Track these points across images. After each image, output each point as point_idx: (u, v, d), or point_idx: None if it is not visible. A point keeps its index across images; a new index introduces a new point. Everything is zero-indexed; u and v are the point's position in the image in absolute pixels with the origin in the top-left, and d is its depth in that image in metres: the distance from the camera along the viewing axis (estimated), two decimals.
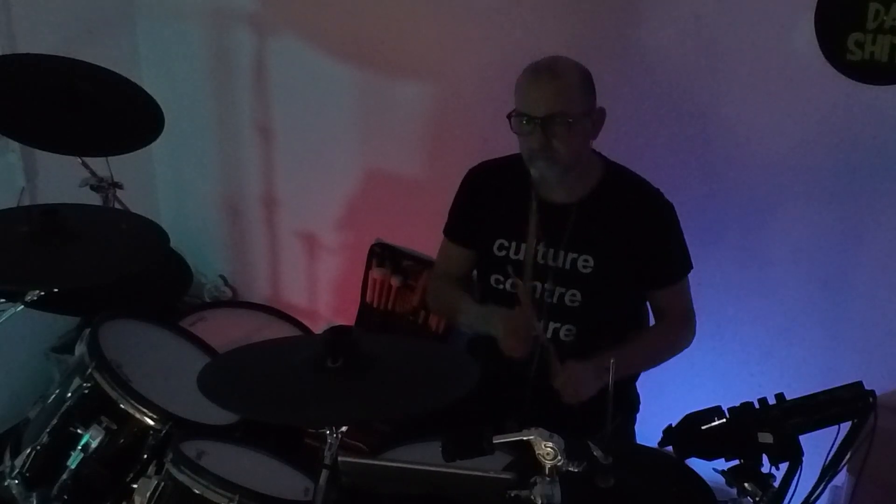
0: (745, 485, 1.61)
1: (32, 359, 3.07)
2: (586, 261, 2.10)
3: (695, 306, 2.25)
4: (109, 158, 2.54)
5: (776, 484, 1.62)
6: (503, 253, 2.16)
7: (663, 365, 2.23)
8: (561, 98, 1.97)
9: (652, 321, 2.30)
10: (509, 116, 2.03)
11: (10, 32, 2.82)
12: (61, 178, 2.76)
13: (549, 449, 1.40)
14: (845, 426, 1.65)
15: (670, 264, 2.18)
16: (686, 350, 2.24)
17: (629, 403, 2.30)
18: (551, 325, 2.14)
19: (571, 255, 2.11)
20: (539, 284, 2.13)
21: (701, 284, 2.25)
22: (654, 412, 2.20)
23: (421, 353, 1.89)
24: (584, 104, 2.02)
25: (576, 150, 2.02)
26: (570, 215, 2.11)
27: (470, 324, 2.21)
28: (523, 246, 2.14)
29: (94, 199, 2.57)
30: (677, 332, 2.23)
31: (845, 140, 2.41)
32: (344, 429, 1.61)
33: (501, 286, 2.17)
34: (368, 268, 3.03)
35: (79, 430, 1.91)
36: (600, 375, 1.95)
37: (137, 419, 1.92)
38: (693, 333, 2.24)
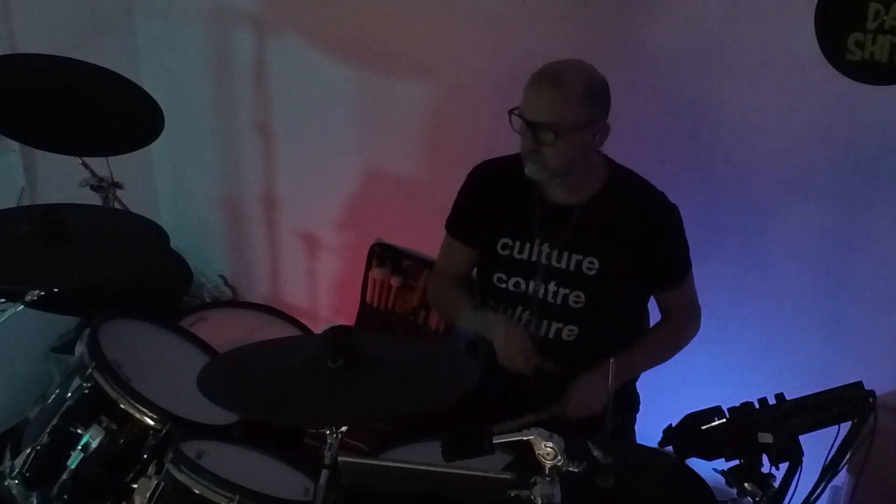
0: (745, 485, 1.61)
1: (32, 359, 3.07)
2: (591, 262, 2.10)
3: None
4: (109, 158, 2.54)
5: (776, 484, 1.62)
6: (507, 252, 2.16)
7: (663, 365, 2.24)
8: (554, 109, 1.94)
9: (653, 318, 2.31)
10: (510, 112, 2.01)
11: (10, 32, 2.81)
12: (61, 178, 2.75)
13: (549, 449, 1.40)
14: (845, 426, 1.65)
15: (676, 266, 2.18)
16: (686, 350, 2.25)
17: (629, 403, 2.30)
18: (554, 326, 2.14)
19: (576, 257, 2.11)
20: (542, 285, 2.12)
21: (701, 284, 2.25)
22: (654, 412, 2.20)
23: (421, 353, 1.89)
24: (583, 116, 1.96)
25: (565, 160, 1.99)
26: (574, 216, 2.10)
27: (468, 328, 2.23)
28: (527, 245, 2.14)
29: (94, 199, 2.57)
30: (683, 329, 2.25)
31: (845, 140, 2.41)
32: (344, 429, 1.61)
33: (504, 285, 2.17)
34: (368, 268, 3.02)
35: (79, 430, 1.91)
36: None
37: (137, 419, 1.92)
38: (698, 326, 2.25)
